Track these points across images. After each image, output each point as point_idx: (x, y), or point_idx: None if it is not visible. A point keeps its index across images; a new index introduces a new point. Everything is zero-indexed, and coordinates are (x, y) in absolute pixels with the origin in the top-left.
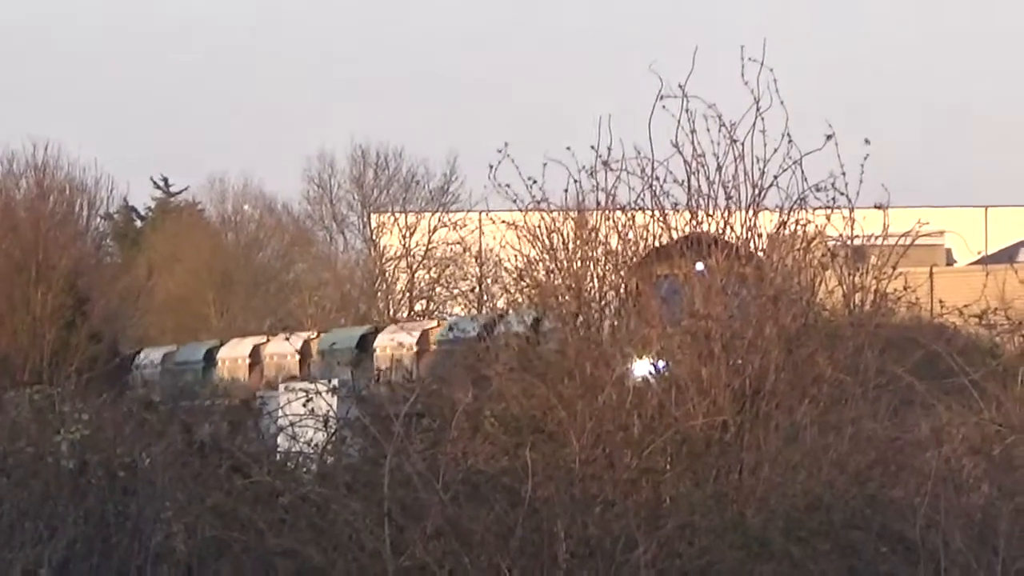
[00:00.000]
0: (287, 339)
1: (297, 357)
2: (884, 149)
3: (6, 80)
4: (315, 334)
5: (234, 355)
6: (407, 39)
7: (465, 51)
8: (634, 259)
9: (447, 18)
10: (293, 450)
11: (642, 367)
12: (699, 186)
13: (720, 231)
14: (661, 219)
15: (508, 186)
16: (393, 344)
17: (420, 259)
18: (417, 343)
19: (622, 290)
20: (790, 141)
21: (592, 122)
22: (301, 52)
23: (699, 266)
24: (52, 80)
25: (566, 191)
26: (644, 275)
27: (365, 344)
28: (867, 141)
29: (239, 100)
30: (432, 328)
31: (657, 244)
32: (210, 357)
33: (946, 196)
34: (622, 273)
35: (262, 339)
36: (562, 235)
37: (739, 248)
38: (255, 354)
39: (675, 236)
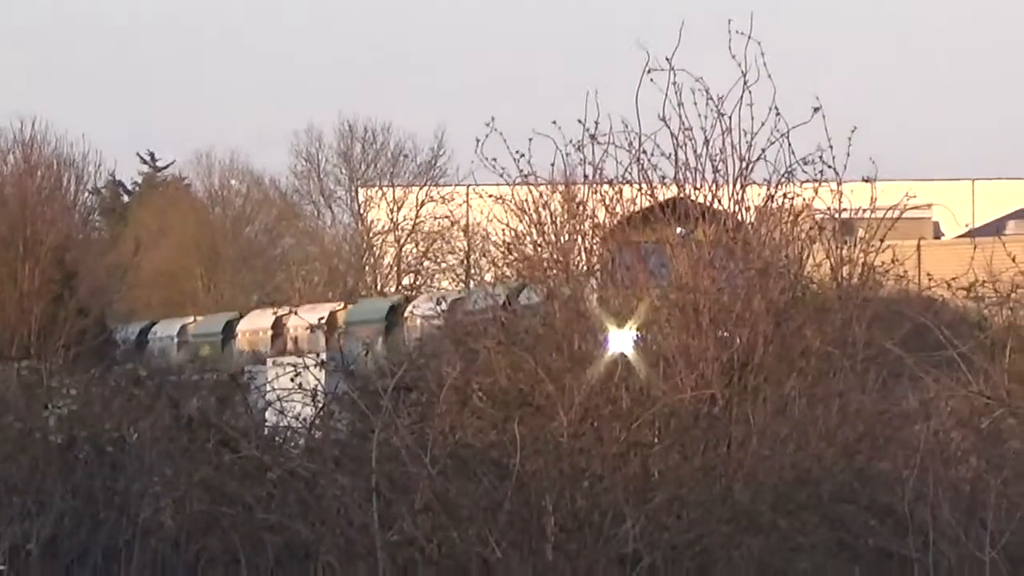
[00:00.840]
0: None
1: (322, 329)
2: (871, 122)
3: None
4: (341, 305)
5: (255, 327)
6: (394, 13)
7: (452, 25)
8: (620, 227)
9: None
10: (281, 425)
11: (620, 339)
12: (686, 159)
13: (707, 201)
14: (649, 192)
15: (495, 160)
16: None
17: (408, 233)
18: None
19: (609, 263)
20: (777, 114)
21: (579, 96)
22: (289, 26)
23: (679, 231)
24: (38, 55)
25: (553, 165)
26: (632, 245)
27: (394, 315)
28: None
29: (226, 75)
30: (460, 297)
31: (640, 210)
32: (229, 329)
33: (933, 169)
34: (609, 244)
35: (284, 311)
36: (549, 209)
37: (726, 218)
38: (277, 326)
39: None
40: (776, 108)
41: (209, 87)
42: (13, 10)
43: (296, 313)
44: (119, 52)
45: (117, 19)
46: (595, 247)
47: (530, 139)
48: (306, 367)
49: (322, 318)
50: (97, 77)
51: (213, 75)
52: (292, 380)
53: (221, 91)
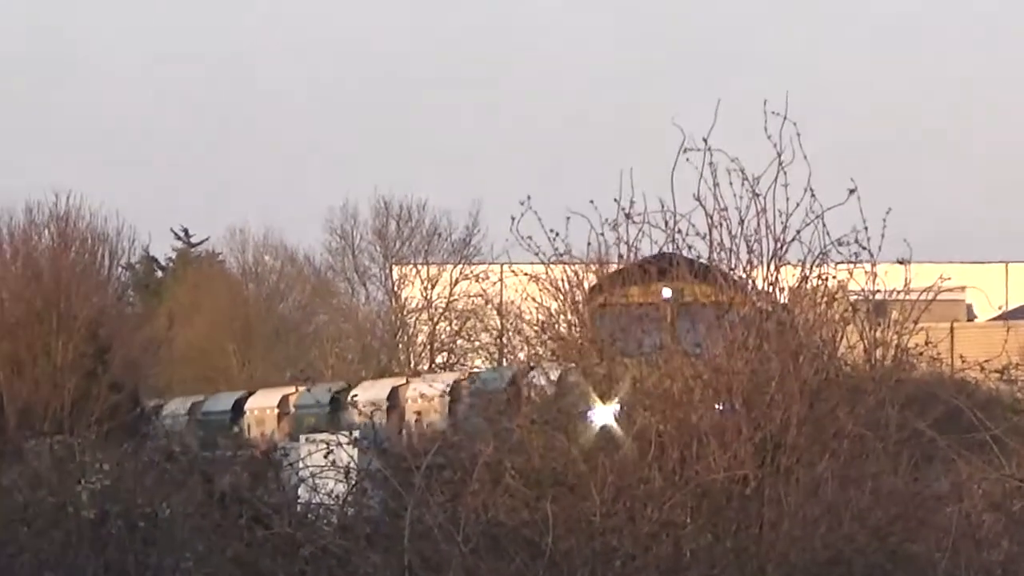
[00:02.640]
0: (309, 389)
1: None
2: (906, 205)
3: (28, 129)
4: (343, 385)
5: (263, 406)
6: (429, 90)
7: (489, 103)
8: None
9: (471, 69)
10: (314, 501)
11: (603, 414)
12: (721, 239)
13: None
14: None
15: (530, 238)
16: (420, 396)
17: (441, 311)
18: (449, 394)
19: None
20: (812, 195)
21: (615, 175)
22: (325, 102)
23: (666, 292)
24: (73, 130)
25: (589, 244)
26: (668, 328)
27: (394, 397)
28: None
29: (261, 150)
30: (462, 379)
31: (624, 267)
32: (238, 408)
33: (967, 252)
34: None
35: (290, 390)
36: (584, 288)
37: (760, 299)
38: (283, 404)
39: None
40: (811, 189)
41: (244, 163)
42: (48, 84)
43: (300, 388)
44: (153, 128)
45: (151, 94)
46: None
47: (567, 217)
48: (339, 444)
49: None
50: (132, 153)
51: (248, 151)
52: (325, 457)
53: (256, 167)
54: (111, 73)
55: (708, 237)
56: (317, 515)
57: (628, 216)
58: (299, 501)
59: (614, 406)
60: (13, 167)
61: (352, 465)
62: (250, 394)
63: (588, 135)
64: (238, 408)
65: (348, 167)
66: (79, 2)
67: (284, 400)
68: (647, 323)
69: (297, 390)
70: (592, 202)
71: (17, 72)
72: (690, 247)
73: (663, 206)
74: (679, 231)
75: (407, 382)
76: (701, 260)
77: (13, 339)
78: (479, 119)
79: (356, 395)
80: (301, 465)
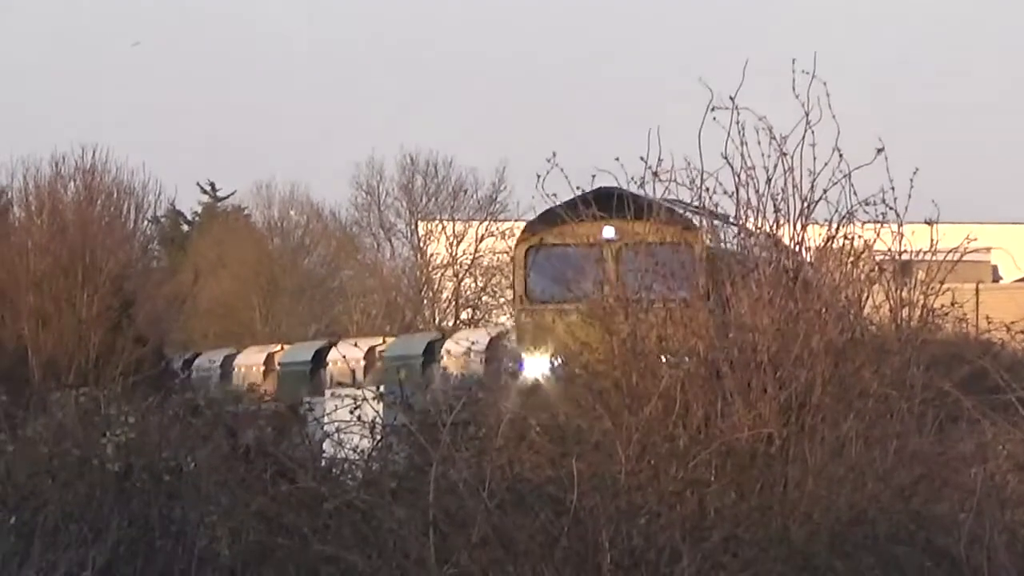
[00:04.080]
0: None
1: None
2: (934, 163)
3: (54, 83)
4: (437, 335)
5: (348, 356)
6: (457, 47)
7: (515, 60)
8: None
9: (499, 27)
10: (339, 456)
11: (537, 365)
12: (748, 198)
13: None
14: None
15: (556, 196)
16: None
17: (467, 267)
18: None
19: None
20: (840, 155)
21: (641, 132)
22: (351, 58)
23: (608, 231)
24: (100, 84)
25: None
26: (691, 285)
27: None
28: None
29: (287, 105)
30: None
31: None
32: (319, 358)
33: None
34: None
35: (376, 340)
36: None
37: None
38: (370, 355)
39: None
40: (839, 149)
41: (270, 117)
42: (74, 40)
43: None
44: (179, 81)
45: (177, 49)
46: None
47: (592, 175)
48: (365, 399)
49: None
50: (158, 106)
51: (274, 105)
52: (351, 412)
53: (282, 122)
54: (137, 28)
55: (735, 195)
56: (342, 470)
57: (655, 174)
58: (324, 456)
59: (546, 357)
60: (40, 119)
61: (377, 420)
62: (332, 344)
63: (615, 92)
64: (319, 359)
65: (374, 122)
66: None
67: (371, 351)
68: (587, 265)
69: (384, 340)
70: (618, 159)
71: (46, 22)
72: (717, 205)
73: (689, 164)
74: (706, 189)
75: (383, 341)
76: (642, 195)
77: (38, 292)
78: (505, 75)
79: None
80: (326, 420)
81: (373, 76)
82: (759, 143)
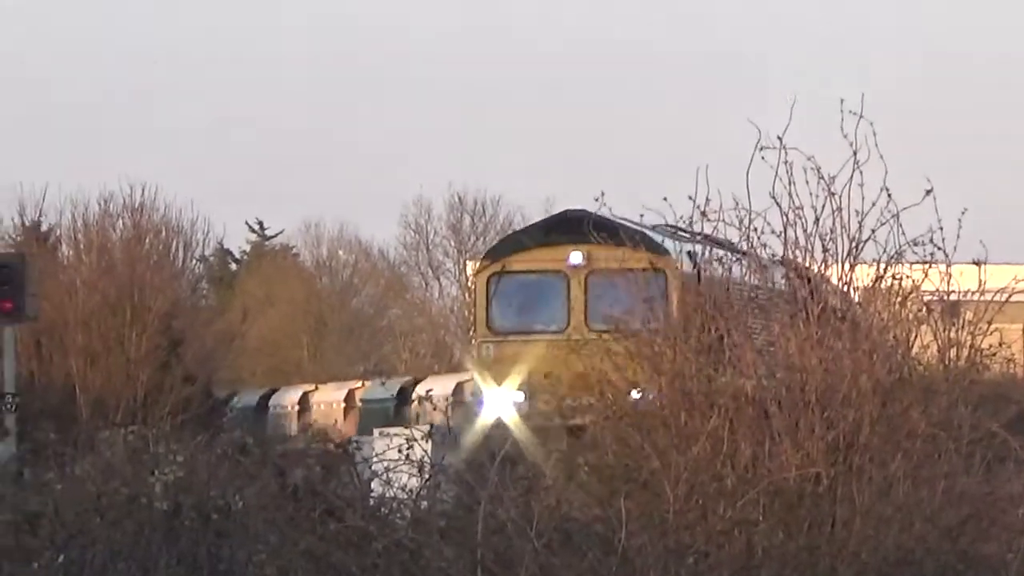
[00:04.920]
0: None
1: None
2: (982, 204)
3: (103, 121)
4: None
5: (436, 393)
6: (504, 86)
7: (563, 99)
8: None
9: (546, 63)
10: (387, 495)
11: (499, 401)
12: (796, 238)
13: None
14: (758, 270)
15: (605, 235)
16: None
17: None
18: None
19: (719, 340)
20: (888, 195)
21: (690, 172)
22: (400, 97)
23: (575, 257)
24: (149, 122)
25: (663, 241)
26: (740, 325)
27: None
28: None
29: (336, 145)
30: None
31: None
32: (404, 395)
33: None
34: (719, 323)
35: (464, 376)
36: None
37: (836, 299)
38: (458, 392)
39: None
40: (887, 188)
41: (319, 157)
42: (125, 77)
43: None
44: (229, 120)
45: (226, 88)
46: (706, 323)
47: (640, 215)
48: (414, 438)
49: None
50: (207, 144)
51: (323, 144)
52: (399, 451)
53: (331, 161)
54: (186, 66)
55: (783, 235)
56: (390, 509)
57: (703, 214)
58: (372, 495)
59: (514, 391)
60: (90, 158)
61: (426, 459)
62: (418, 381)
63: (663, 132)
64: (403, 396)
65: (422, 162)
66: None
67: (459, 387)
68: (549, 294)
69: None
70: (666, 199)
71: (92, 63)
72: (765, 245)
73: (737, 204)
74: (754, 229)
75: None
76: (611, 218)
77: (87, 330)
78: (553, 112)
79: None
80: (375, 459)
81: (422, 115)
82: (807, 183)
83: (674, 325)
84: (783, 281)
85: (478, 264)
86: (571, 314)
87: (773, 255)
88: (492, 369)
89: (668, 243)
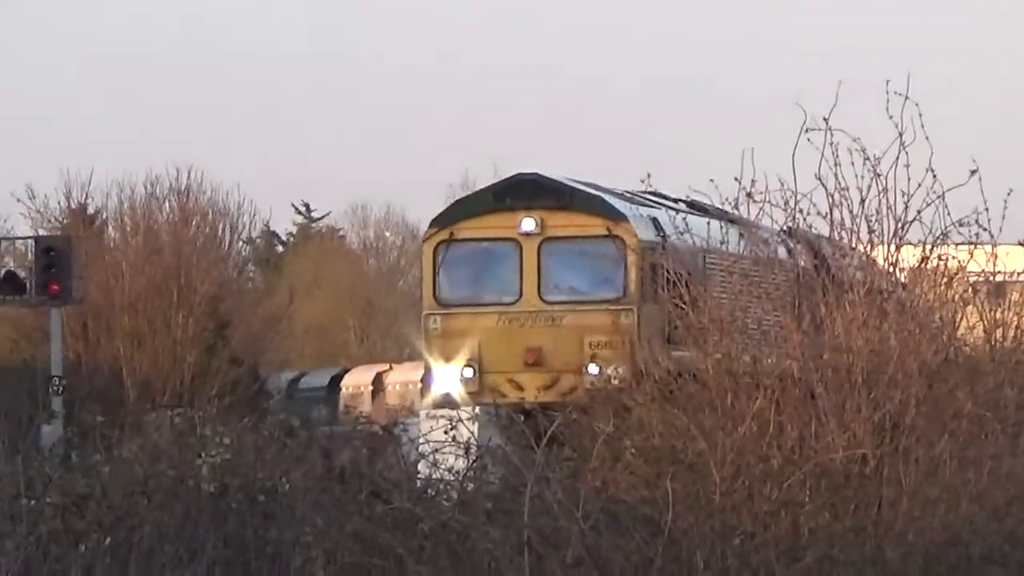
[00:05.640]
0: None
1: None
2: None
3: (150, 103)
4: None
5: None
6: (549, 65)
7: (607, 78)
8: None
9: (589, 44)
10: (434, 477)
11: (448, 377)
12: (842, 219)
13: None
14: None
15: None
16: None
17: None
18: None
19: (764, 322)
20: (934, 176)
21: (735, 154)
22: (444, 77)
23: (527, 223)
24: (195, 104)
25: (708, 222)
26: (787, 307)
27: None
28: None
29: (382, 125)
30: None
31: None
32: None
33: None
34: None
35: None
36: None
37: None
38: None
39: None
40: (932, 169)
41: (365, 138)
42: (170, 61)
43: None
44: (275, 102)
45: (272, 70)
46: (750, 305)
47: (687, 196)
48: (460, 420)
49: None
50: (253, 127)
51: (368, 126)
52: (446, 433)
53: (377, 142)
54: (232, 48)
55: (829, 216)
56: (437, 490)
57: (749, 195)
58: (419, 476)
59: (462, 367)
60: (136, 141)
61: (472, 441)
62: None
63: (709, 112)
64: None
65: (468, 142)
66: None
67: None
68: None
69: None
70: (712, 181)
71: (137, 44)
72: (811, 226)
73: (783, 185)
74: (800, 210)
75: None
76: (565, 181)
77: (133, 313)
78: (596, 92)
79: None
80: (421, 440)
81: (466, 95)
82: (852, 164)
83: (631, 293)
84: (783, 252)
85: (425, 231)
86: (523, 284)
87: (819, 235)
88: (439, 343)
89: (627, 208)
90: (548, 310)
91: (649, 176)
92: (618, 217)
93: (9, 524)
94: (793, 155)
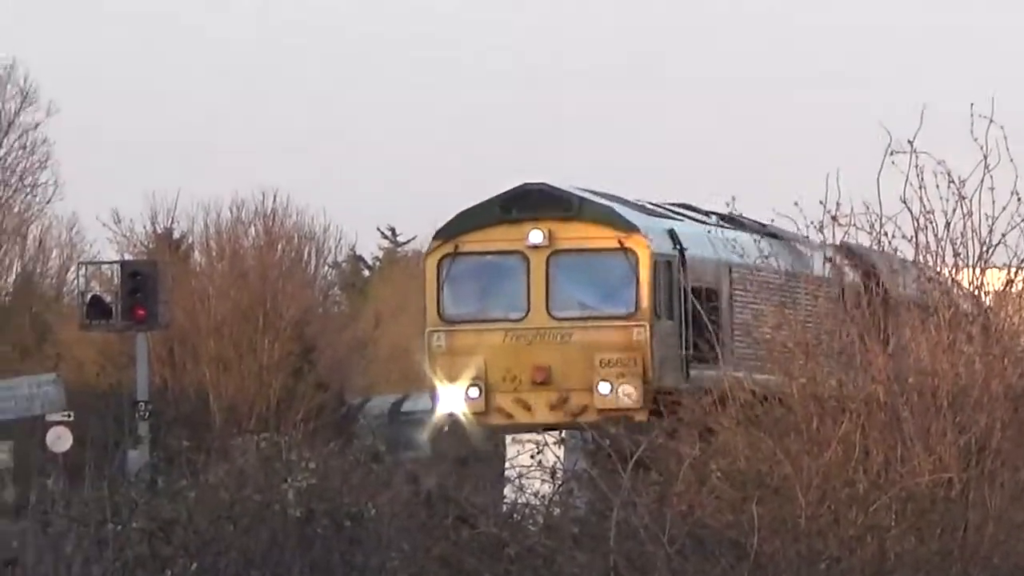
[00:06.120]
0: None
1: None
2: None
3: (235, 128)
4: None
5: None
6: (627, 83)
7: (691, 102)
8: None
9: (671, 60)
10: (520, 501)
11: (453, 397)
12: (927, 242)
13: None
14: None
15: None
16: None
17: None
18: None
19: (851, 345)
20: (1019, 199)
21: (820, 177)
22: (529, 99)
23: (535, 235)
24: (281, 129)
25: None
26: (871, 330)
27: None
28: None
29: (466, 150)
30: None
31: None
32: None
33: None
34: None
35: None
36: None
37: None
38: None
39: None
40: (1017, 193)
41: (450, 162)
42: (254, 86)
43: None
44: (361, 128)
45: (358, 95)
46: (835, 328)
47: (771, 220)
48: (546, 444)
49: None
50: (338, 151)
51: (454, 150)
52: (532, 457)
53: (461, 166)
54: (317, 74)
55: (914, 239)
56: (523, 515)
57: (834, 218)
58: (505, 501)
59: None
60: (221, 164)
61: (558, 465)
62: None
63: (791, 135)
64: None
65: (552, 164)
66: None
67: None
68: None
69: None
70: (797, 204)
71: (219, 69)
72: (896, 250)
73: (868, 208)
74: (885, 233)
75: None
76: (574, 191)
77: (219, 337)
78: (682, 114)
79: None
80: (507, 465)
81: (550, 117)
82: (937, 187)
83: (643, 309)
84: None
85: (428, 245)
86: (531, 299)
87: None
88: (444, 362)
89: (640, 218)
90: (557, 326)
91: (734, 199)
92: (630, 228)
93: (96, 549)
94: (878, 178)
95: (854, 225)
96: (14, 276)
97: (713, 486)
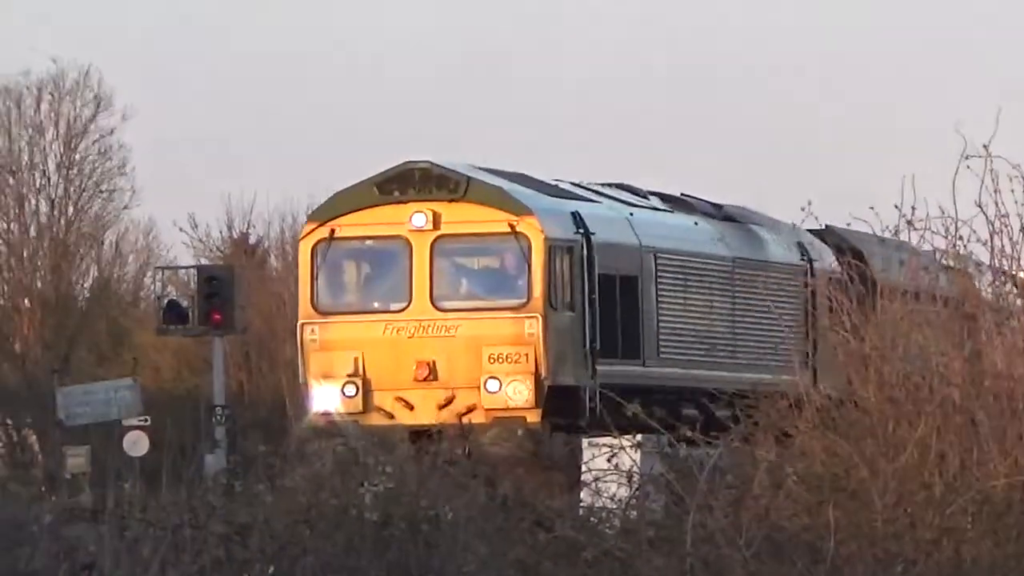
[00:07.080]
0: None
1: None
2: None
3: (308, 131)
4: None
5: None
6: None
7: (767, 110)
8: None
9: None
10: (596, 505)
11: (328, 396)
12: (1003, 246)
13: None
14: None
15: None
16: None
17: None
18: None
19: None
20: None
21: (895, 181)
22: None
23: (418, 219)
24: (354, 130)
25: (875, 252)
26: (949, 334)
27: None
28: None
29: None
30: None
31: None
32: None
33: None
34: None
35: None
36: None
37: None
38: None
39: None
40: None
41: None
42: (327, 89)
43: None
44: (436, 131)
45: (426, 96)
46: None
47: (847, 223)
48: (622, 447)
49: None
50: (409, 153)
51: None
52: (608, 460)
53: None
54: (391, 73)
55: (989, 244)
56: (599, 519)
57: (909, 223)
58: (581, 504)
59: (340, 385)
60: (297, 168)
61: (635, 469)
62: None
63: (865, 138)
64: None
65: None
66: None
67: None
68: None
69: None
70: (873, 208)
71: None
72: (971, 254)
73: (943, 212)
74: (960, 238)
75: None
76: (461, 170)
77: (295, 342)
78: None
79: None
80: (584, 469)
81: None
82: (1012, 191)
83: (536, 299)
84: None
85: (301, 229)
86: (413, 289)
87: (979, 263)
88: (317, 357)
89: (535, 200)
90: (442, 318)
91: (810, 203)
92: (522, 211)
93: (173, 553)
94: (953, 182)
95: (929, 229)
96: (91, 281)
97: (789, 490)
